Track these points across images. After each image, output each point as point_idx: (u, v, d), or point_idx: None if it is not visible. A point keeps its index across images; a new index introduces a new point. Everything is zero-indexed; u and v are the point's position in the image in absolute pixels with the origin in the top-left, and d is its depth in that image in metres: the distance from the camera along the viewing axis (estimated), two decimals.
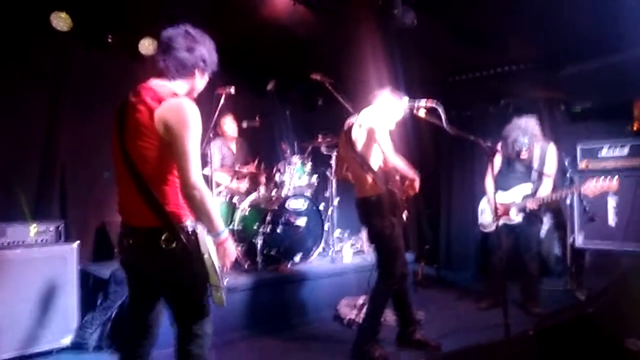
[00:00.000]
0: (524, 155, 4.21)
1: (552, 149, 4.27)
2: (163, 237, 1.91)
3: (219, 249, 1.99)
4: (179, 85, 2.07)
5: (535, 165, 4.23)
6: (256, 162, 5.18)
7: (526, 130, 4.13)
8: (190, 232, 1.94)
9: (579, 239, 4.79)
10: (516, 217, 4.24)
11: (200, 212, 1.91)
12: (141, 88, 2.00)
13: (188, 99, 1.98)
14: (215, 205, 1.93)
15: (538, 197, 4.14)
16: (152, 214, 1.92)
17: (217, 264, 1.95)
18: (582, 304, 3.34)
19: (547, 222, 5.38)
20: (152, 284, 2.09)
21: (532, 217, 4.28)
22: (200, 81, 2.15)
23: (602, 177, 3.91)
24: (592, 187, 3.91)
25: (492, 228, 4.38)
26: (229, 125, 5.06)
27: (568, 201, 4.85)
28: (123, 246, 2.08)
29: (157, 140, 1.90)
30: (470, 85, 5.61)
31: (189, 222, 1.96)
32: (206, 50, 2.09)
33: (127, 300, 2.28)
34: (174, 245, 1.91)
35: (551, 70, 4.90)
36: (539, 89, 5.40)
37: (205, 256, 1.92)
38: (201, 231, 1.95)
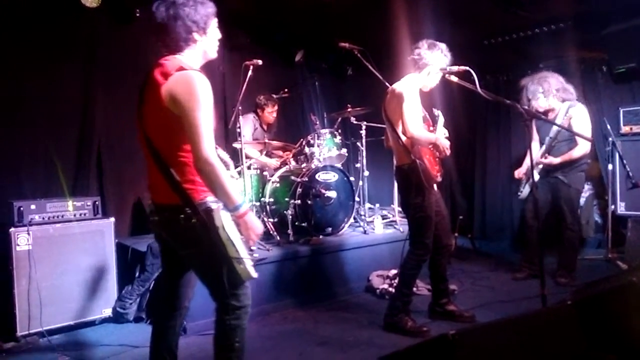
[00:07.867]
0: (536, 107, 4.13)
1: (563, 108, 4.13)
2: (182, 215, 1.93)
3: (240, 223, 1.98)
4: (190, 55, 2.02)
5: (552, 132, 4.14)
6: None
7: (538, 87, 4.11)
8: (206, 209, 1.93)
9: (620, 207, 4.61)
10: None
11: (215, 187, 1.90)
12: (155, 64, 1.97)
13: (196, 71, 1.93)
14: (229, 179, 1.91)
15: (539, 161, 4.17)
16: (172, 191, 1.93)
17: (234, 237, 1.95)
18: (625, 273, 3.23)
19: (586, 190, 5.19)
20: (180, 258, 2.12)
21: (559, 185, 4.15)
22: (207, 40, 2.05)
23: None
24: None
25: (525, 195, 4.28)
26: (270, 114, 5.10)
27: (610, 167, 4.65)
28: (151, 222, 2.14)
29: (169, 116, 1.88)
30: (508, 47, 5.37)
31: (207, 199, 1.95)
32: (191, 8, 1.95)
33: (161, 272, 2.32)
34: (192, 222, 1.92)
35: (593, 28, 4.62)
36: (580, 49, 5.13)
37: (220, 230, 1.92)
38: (217, 206, 1.94)
